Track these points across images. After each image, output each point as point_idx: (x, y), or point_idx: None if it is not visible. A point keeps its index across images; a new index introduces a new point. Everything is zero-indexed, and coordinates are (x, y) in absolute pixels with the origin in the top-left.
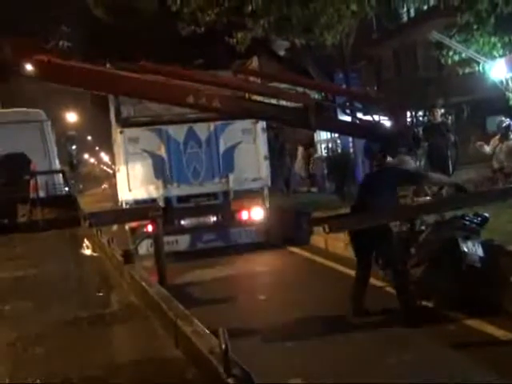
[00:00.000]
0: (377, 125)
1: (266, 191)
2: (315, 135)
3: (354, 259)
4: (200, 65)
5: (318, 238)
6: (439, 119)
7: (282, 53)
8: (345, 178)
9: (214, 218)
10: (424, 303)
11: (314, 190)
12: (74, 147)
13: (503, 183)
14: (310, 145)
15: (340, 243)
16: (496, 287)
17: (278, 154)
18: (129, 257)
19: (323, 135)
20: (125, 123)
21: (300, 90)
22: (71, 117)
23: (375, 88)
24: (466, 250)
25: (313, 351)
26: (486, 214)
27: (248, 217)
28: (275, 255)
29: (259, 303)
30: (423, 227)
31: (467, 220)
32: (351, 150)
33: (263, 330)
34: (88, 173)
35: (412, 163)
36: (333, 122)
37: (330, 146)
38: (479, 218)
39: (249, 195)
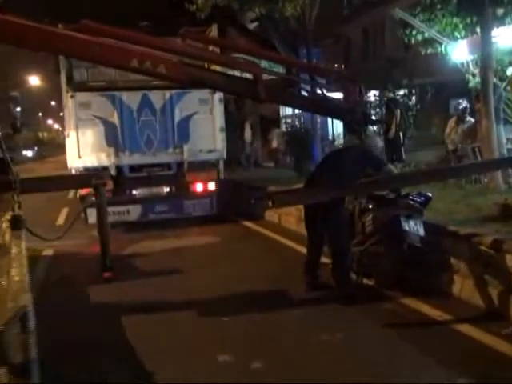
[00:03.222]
0: (328, 99)
1: (221, 164)
2: (280, 110)
3: (305, 234)
4: (149, 28)
5: (273, 213)
6: (389, 95)
7: (251, 27)
8: (302, 155)
9: (167, 189)
10: (365, 281)
11: (272, 164)
12: (18, 109)
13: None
14: (273, 120)
15: (292, 219)
16: (436, 268)
17: (239, 128)
18: (16, 223)
19: (289, 111)
20: (76, 87)
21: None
22: (33, 80)
23: (343, 67)
24: (407, 229)
25: (248, 326)
26: (429, 194)
27: (202, 189)
28: (228, 229)
29: (203, 276)
30: (370, 205)
31: (410, 199)
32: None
33: (201, 303)
34: (52, 139)
35: (379, 144)
36: (282, 94)
37: (289, 121)
38: (422, 198)
39: (204, 167)
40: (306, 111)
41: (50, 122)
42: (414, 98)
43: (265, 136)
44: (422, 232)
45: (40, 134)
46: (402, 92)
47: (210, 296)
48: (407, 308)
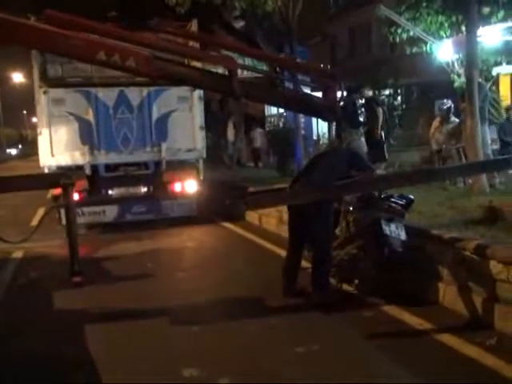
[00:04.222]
0: (308, 97)
1: (200, 163)
2: (266, 109)
3: (285, 237)
4: (119, 19)
5: (253, 214)
6: (368, 95)
7: (238, 26)
8: (284, 154)
9: (144, 189)
10: (345, 287)
11: (260, 164)
12: None
13: (438, 166)
14: (257, 119)
15: (272, 220)
16: (418, 273)
17: (222, 127)
18: None
19: (274, 110)
20: (50, 83)
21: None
22: (17, 77)
23: (329, 67)
24: (388, 233)
25: (219, 337)
26: (411, 196)
27: (181, 189)
28: (207, 230)
29: (177, 281)
30: (351, 207)
31: (392, 202)
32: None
33: (171, 311)
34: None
35: (365, 147)
36: (259, 91)
37: (273, 120)
38: (404, 200)
39: (182, 167)
40: (286, 109)
41: (34, 119)
42: (399, 97)
43: (249, 135)
44: (403, 236)
45: (24, 132)
46: (387, 92)
47: (182, 303)
48: (388, 316)
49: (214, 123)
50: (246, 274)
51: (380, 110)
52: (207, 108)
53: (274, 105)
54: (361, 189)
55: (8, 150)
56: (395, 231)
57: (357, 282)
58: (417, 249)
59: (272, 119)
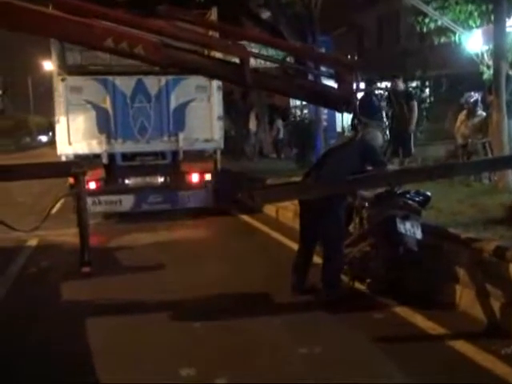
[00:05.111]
0: (323, 87)
1: (218, 154)
2: (291, 100)
3: None
4: (128, 5)
5: (270, 207)
6: (401, 88)
7: (264, 16)
8: (304, 146)
9: (161, 179)
10: (357, 285)
11: (283, 156)
12: None
13: (463, 160)
14: (281, 110)
15: (290, 213)
16: (433, 274)
17: (244, 118)
18: None
19: (298, 101)
20: (68, 71)
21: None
22: (48, 65)
23: (356, 57)
24: (403, 231)
25: (220, 335)
26: (428, 193)
27: (198, 180)
28: (223, 222)
29: (186, 274)
30: (366, 203)
31: (408, 198)
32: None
33: (177, 305)
34: None
35: (380, 140)
36: (271, 80)
37: (294, 112)
38: (421, 197)
39: (200, 157)
40: (300, 99)
41: None
42: (427, 90)
43: (272, 126)
44: (419, 235)
45: (53, 120)
46: (414, 84)
47: (188, 297)
48: (399, 318)
49: (236, 114)
50: (257, 269)
51: (415, 104)
52: (229, 98)
53: (288, 95)
54: (375, 184)
55: (39, 137)
56: (410, 229)
57: (369, 280)
58: (433, 248)
59: (295, 110)
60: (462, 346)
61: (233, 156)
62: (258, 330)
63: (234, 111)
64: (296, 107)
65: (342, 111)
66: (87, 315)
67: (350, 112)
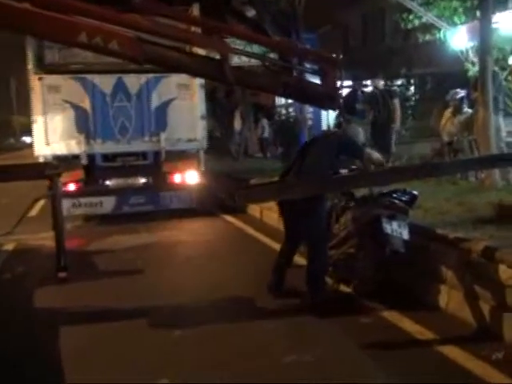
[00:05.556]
0: (306, 83)
1: (201, 154)
2: (276, 99)
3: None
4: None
5: (255, 207)
6: (381, 86)
7: (250, 14)
8: (290, 145)
9: (143, 180)
10: (343, 288)
11: (269, 155)
12: None
13: (449, 159)
14: (267, 109)
15: (274, 214)
16: (421, 276)
17: (228, 117)
18: None
19: (283, 99)
20: (45, 69)
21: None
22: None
23: (341, 55)
24: (389, 232)
25: (199, 344)
26: (415, 192)
27: (181, 180)
28: (206, 223)
29: (166, 278)
30: (352, 203)
31: (394, 197)
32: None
33: (155, 311)
34: None
35: (362, 136)
36: (255, 77)
37: (280, 110)
38: (407, 196)
39: (182, 157)
40: (283, 97)
41: None
42: (412, 88)
43: (257, 125)
44: (406, 235)
45: None
46: (399, 82)
47: (167, 303)
48: (386, 322)
49: (220, 113)
50: (240, 272)
51: (396, 103)
52: (213, 97)
53: (272, 92)
54: (360, 183)
55: (23, 138)
56: (397, 230)
57: (355, 283)
58: (421, 249)
59: (281, 109)
60: (451, 351)
61: (218, 156)
62: (239, 339)
63: (218, 110)
64: (281, 106)
65: (326, 108)
66: (60, 323)
67: (334, 109)
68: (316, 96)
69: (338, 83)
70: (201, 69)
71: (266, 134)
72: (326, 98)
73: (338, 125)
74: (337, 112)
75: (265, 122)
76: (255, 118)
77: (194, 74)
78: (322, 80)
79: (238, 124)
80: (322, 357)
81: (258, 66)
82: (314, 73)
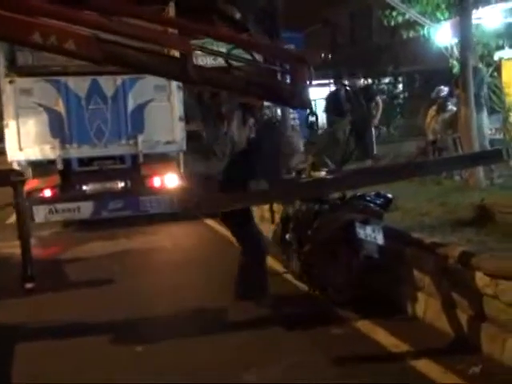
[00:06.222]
0: (272, 81)
1: (181, 156)
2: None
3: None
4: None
5: None
6: (360, 85)
7: (237, 16)
8: None
9: (121, 184)
10: (316, 295)
11: None
12: None
13: (433, 157)
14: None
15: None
16: (396, 283)
17: (213, 118)
18: None
19: None
20: (17, 72)
21: None
22: None
23: (330, 54)
24: (363, 237)
25: (161, 360)
26: (389, 195)
27: (160, 184)
28: (186, 228)
29: (138, 288)
30: (326, 206)
31: (368, 201)
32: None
33: (120, 326)
34: None
35: (299, 147)
36: (221, 76)
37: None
38: (382, 199)
39: (161, 160)
40: (252, 97)
41: None
42: (400, 85)
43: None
44: (380, 240)
45: None
46: (386, 80)
47: (135, 316)
48: (359, 334)
49: (205, 113)
50: (214, 280)
51: (379, 100)
52: (201, 100)
53: (237, 92)
54: (338, 187)
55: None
56: (371, 235)
57: (330, 290)
58: (396, 254)
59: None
60: (424, 365)
61: (203, 157)
62: (202, 354)
63: (205, 112)
64: (269, 106)
65: (295, 107)
66: (18, 338)
67: (303, 108)
68: (284, 95)
69: (308, 81)
70: (162, 68)
71: (253, 135)
72: (294, 96)
73: (310, 126)
74: (308, 111)
75: (251, 122)
76: (243, 118)
77: (156, 73)
78: (290, 78)
79: (223, 125)
80: (287, 373)
81: (240, 66)
82: (283, 71)
